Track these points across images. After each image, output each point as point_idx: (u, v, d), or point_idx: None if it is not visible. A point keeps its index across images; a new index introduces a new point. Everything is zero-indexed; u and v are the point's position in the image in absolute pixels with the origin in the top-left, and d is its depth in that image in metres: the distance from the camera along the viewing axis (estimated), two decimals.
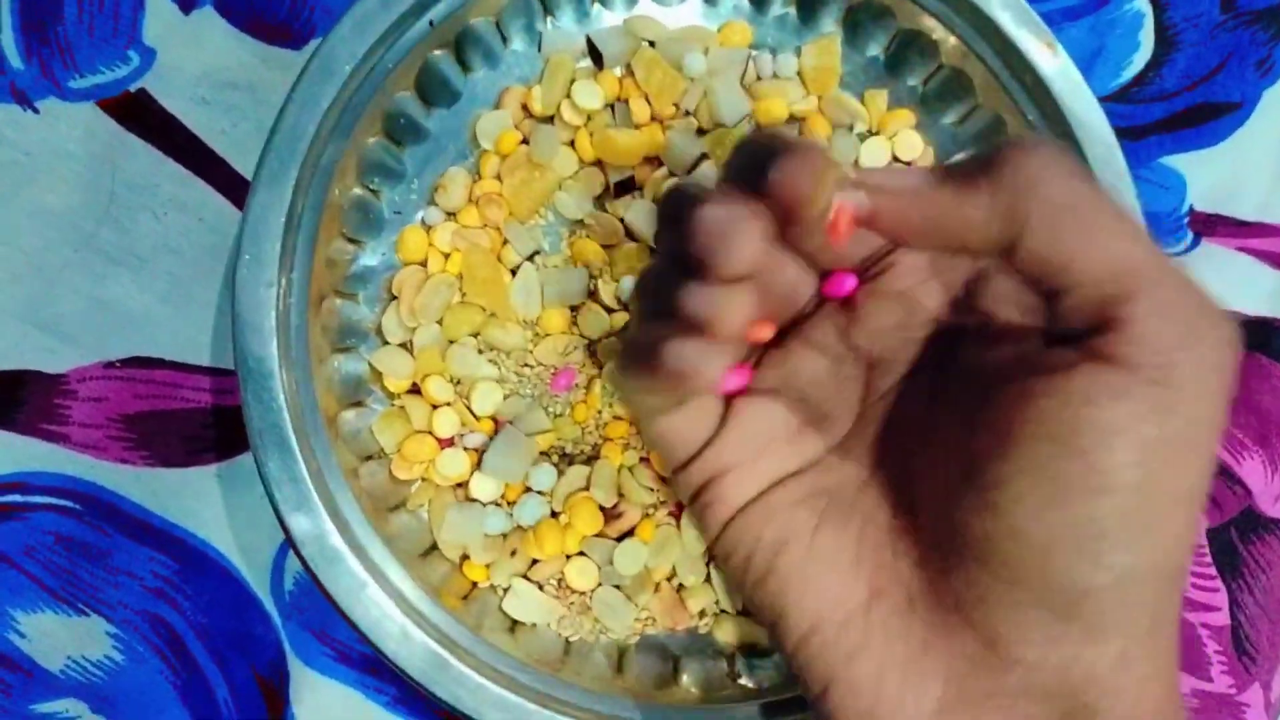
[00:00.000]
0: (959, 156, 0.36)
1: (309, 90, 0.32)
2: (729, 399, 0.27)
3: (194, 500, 0.35)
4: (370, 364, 0.34)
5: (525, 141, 0.35)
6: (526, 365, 0.34)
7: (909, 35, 0.35)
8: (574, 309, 0.35)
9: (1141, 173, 0.38)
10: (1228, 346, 0.20)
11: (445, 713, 0.30)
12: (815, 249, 0.25)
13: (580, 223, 0.35)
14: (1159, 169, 0.39)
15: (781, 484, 0.26)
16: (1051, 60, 0.33)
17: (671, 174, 0.35)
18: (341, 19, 0.32)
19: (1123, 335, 0.19)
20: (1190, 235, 0.38)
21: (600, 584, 0.33)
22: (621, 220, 0.35)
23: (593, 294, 0.35)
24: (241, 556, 0.35)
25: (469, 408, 0.34)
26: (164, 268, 0.36)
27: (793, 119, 0.36)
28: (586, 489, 0.33)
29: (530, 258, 0.35)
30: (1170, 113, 0.39)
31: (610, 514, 0.33)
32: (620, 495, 0.33)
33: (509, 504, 0.34)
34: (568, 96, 0.35)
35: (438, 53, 0.34)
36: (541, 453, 0.34)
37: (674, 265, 0.23)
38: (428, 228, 0.35)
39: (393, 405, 0.34)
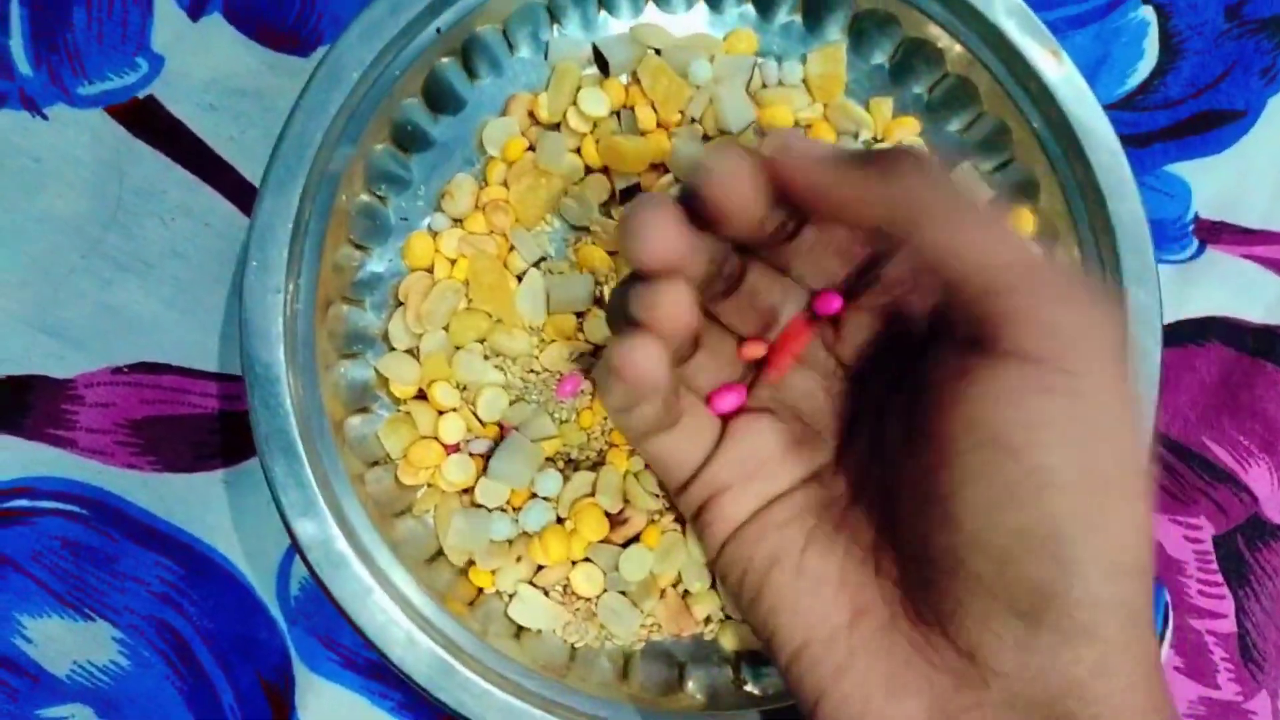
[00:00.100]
0: (965, 164, 0.36)
1: (316, 97, 0.32)
2: (725, 419, 0.27)
3: (200, 505, 0.35)
4: (376, 370, 0.34)
5: (532, 148, 0.35)
6: (532, 371, 0.34)
7: (914, 43, 0.35)
8: (580, 315, 0.35)
9: (1146, 180, 0.38)
10: (1117, 327, 0.21)
11: (450, 718, 0.30)
12: (801, 268, 0.25)
13: (586, 229, 0.35)
14: (1164, 176, 0.39)
15: (773, 504, 0.26)
16: (1056, 68, 0.33)
17: (677, 181, 0.35)
18: (349, 26, 0.32)
19: (1020, 330, 0.20)
20: (1195, 243, 0.38)
21: (605, 590, 0.33)
22: None
23: (598, 300, 0.35)
24: (247, 562, 0.35)
25: (475, 414, 0.34)
26: (171, 273, 0.36)
27: (798, 126, 0.36)
28: (592, 495, 0.33)
29: (536, 264, 0.35)
30: (1175, 120, 0.39)
31: (616, 520, 0.33)
32: (626, 501, 0.33)
33: (515, 510, 0.34)
34: (574, 104, 0.35)
35: (445, 60, 0.34)
36: (547, 459, 0.34)
37: (633, 277, 0.23)
38: (434, 234, 0.35)
39: (399, 411, 0.34)
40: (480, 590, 0.33)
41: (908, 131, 0.36)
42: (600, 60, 0.36)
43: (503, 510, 0.34)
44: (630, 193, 0.35)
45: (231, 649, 0.35)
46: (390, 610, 0.30)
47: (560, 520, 0.33)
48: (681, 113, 0.35)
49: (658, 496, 0.33)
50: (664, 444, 0.26)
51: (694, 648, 0.34)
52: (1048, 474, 0.20)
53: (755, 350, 0.26)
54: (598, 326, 0.34)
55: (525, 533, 0.33)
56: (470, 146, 0.36)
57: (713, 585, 0.34)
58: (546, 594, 0.33)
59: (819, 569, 0.24)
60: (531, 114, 0.35)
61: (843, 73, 0.36)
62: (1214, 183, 0.38)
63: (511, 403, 0.34)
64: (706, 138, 0.35)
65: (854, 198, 0.22)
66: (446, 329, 0.34)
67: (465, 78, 0.35)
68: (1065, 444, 0.20)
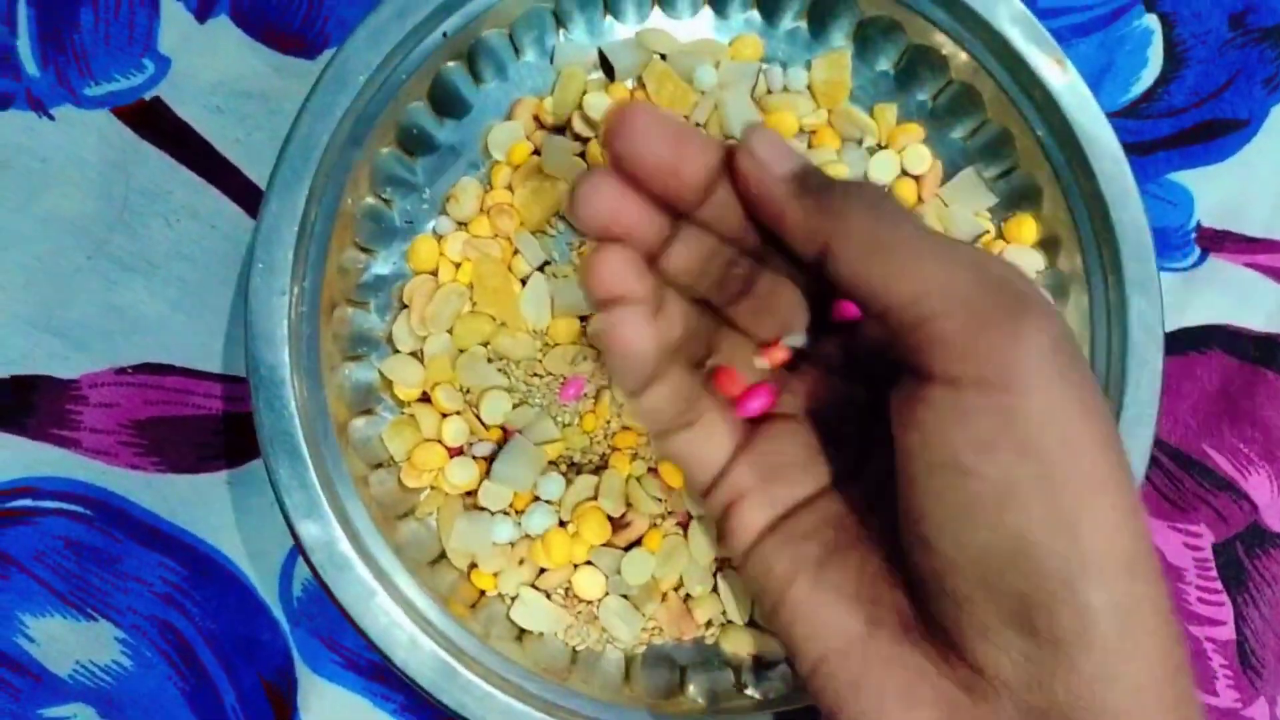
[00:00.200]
0: (967, 171, 0.36)
1: (323, 100, 0.32)
2: (751, 422, 0.27)
3: (204, 506, 0.35)
4: (381, 372, 0.34)
5: (537, 152, 0.35)
6: (536, 375, 0.35)
7: (919, 50, 0.36)
8: (583, 319, 0.35)
9: (1149, 188, 0.38)
10: (1048, 330, 0.20)
11: None
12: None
13: None
14: (1167, 185, 0.39)
15: (794, 513, 0.26)
16: (1061, 76, 0.33)
17: None
18: (356, 30, 0.32)
19: (945, 356, 0.20)
20: (1198, 251, 0.38)
21: (608, 593, 0.33)
22: None
23: None
24: (250, 563, 0.35)
25: (478, 416, 0.34)
26: (176, 274, 0.36)
27: (803, 132, 0.36)
28: (594, 498, 0.33)
29: (540, 268, 0.35)
30: (1178, 129, 0.39)
31: (618, 523, 0.33)
32: (628, 505, 0.33)
33: (517, 513, 0.34)
34: (579, 108, 0.35)
35: (451, 64, 0.34)
36: (550, 462, 0.34)
37: None
38: (439, 237, 0.35)
39: (402, 413, 0.34)
40: (483, 593, 0.33)
41: (912, 138, 0.36)
42: (606, 65, 0.36)
43: (505, 513, 0.34)
44: None
45: (234, 650, 0.35)
46: (393, 612, 0.30)
47: (563, 523, 0.34)
48: (686, 118, 0.35)
49: (660, 500, 0.33)
50: (683, 443, 0.26)
51: (695, 651, 0.34)
52: (1004, 490, 0.20)
53: (778, 355, 0.26)
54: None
55: (528, 536, 0.33)
56: (475, 150, 0.36)
57: (714, 589, 0.34)
58: (549, 597, 0.34)
59: (836, 582, 0.24)
60: (537, 118, 0.36)
61: (847, 79, 0.36)
62: (1216, 191, 0.39)
63: (515, 406, 0.34)
64: None
65: (795, 223, 0.22)
66: (450, 332, 0.34)
67: (471, 82, 0.35)
68: (1016, 458, 0.20)
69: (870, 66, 0.37)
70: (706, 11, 0.37)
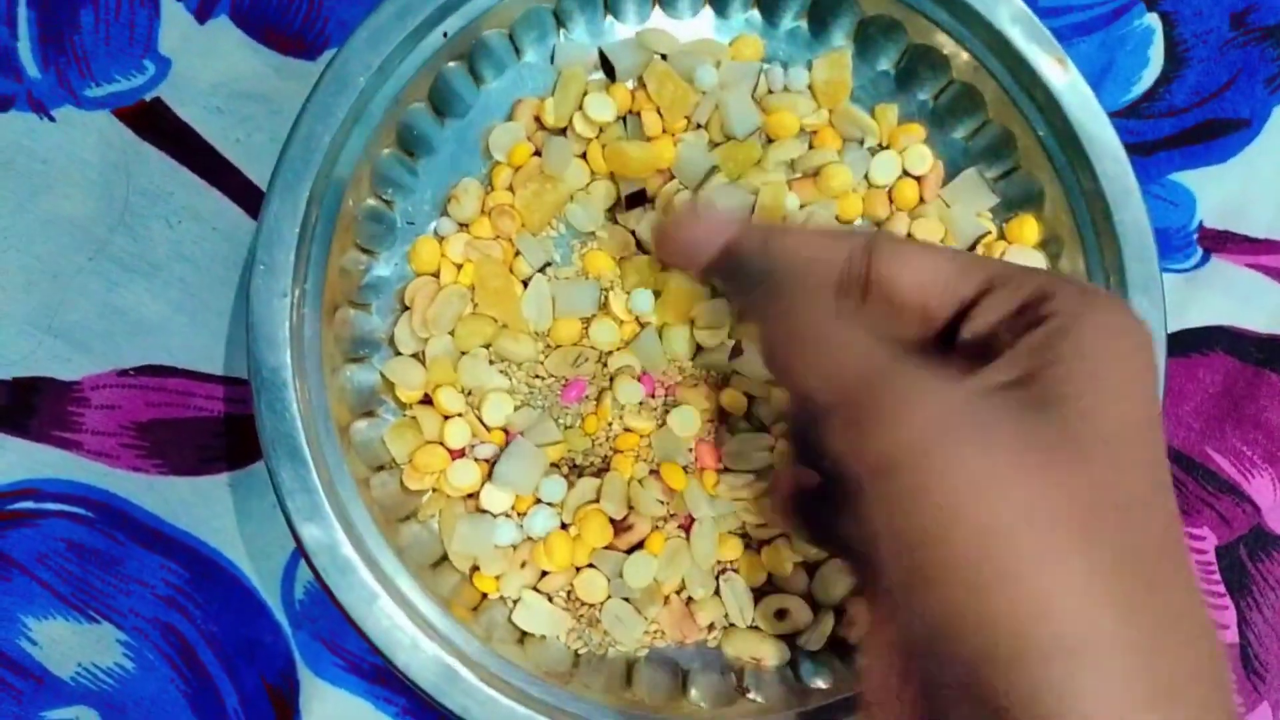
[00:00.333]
0: (968, 171, 0.36)
1: (323, 101, 0.32)
2: None
3: (206, 509, 0.35)
4: (382, 374, 0.34)
5: (537, 153, 0.35)
6: (537, 377, 0.34)
7: (920, 50, 0.35)
8: (585, 321, 0.35)
9: (1151, 189, 0.38)
10: (911, 426, 0.19)
11: None
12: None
13: (592, 235, 0.35)
14: (1169, 185, 0.39)
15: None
16: (1062, 76, 0.33)
17: (683, 187, 0.35)
18: (356, 30, 0.32)
19: (835, 451, 0.20)
20: (1200, 252, 0.38)
21: (610, 596, 0.33)
22: (633, 232, 0.35)
23: (604, 306, 0.35)
24: (252, 565, 0.35)
25: (480, 419, 0.34)
26: (178, 276, 0.36)
27: (803, 132, 0.36)
28: (596, 501, 0.33)
29: (542, 269, 0.35)
30: (1180, 129, 0.39)
31: (620, 526, 0.33)
32: (630, 508, 0.33)
33: (519, 515, 0.34)
34: (580, 109, 0.35)
35: (451, 65, 0.34)
36: (552, 464, 0.34)
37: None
38: (440, 239, 0.35)
39: (404, 416, 0.34)
40: (485, 596, 0.33)
41: (913, 138, 0.36)
42: (606, 65, 0.36)
43: (507, 516, 0.34)
44: (636, 198, 0.35)
45: (236, 652, 0.35)
46: (395, 615, 0.30)
47: (565, 526, 0.34)
48: (687, 118, 0.35)
49: (662, 503, 0.33)
50: None
51: (697, 655, 0.34)
52: (909, 581, 0.19)
53: None
54: (603, 332, 0.34)
55: (530, 538, 0.33)
56: (476, 151, 0.36)
57: (716, 592, 0.34)
58: (551, 600, 0.34)
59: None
60: (537, 119, 0.35)
61: (848, 79, 0.36)
62: (1219, 192, 0.38)
63: (516, 408, 0.34)
64: (713, 144, 0.36)
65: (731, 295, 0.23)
66: (452, 334, 0.34)
67: (471, 82, 0.35)
68: (899, 549, 0.19)
69: (871, 66, 0.37)
70: (707, 11, 0.36)
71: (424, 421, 0.33)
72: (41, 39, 0.37)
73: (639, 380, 0.34)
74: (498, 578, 0.33)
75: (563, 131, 0.35)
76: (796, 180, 0.36)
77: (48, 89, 0.37)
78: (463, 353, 0.34)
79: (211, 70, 0.37)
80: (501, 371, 0.34)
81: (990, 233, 0.36)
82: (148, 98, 0.37)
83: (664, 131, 0.35)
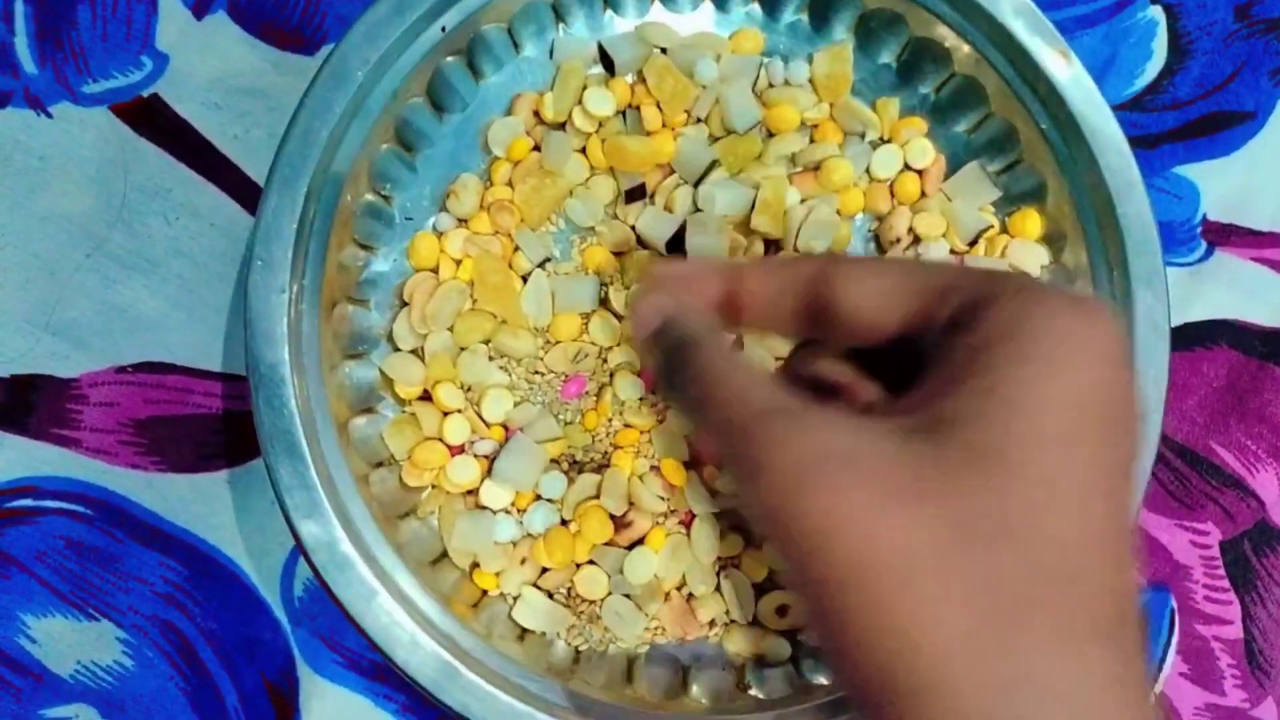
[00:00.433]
0: (970, 165, 0.36)
1: (321, 96, 0.32)
2: None
3: (204, 506, 0.35)
4: (381, 370, 0.34)
5: (537, 148, 0.35)
6: (537, 372, 0.34)
7: (921, 43, 0.35)
8: (585, 316, 0.35)
9: (1155, 182, 0.38)
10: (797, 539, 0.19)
11: None
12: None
13: (591, 230, 0.35)
14: (1173, 178, 0.38)
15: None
16: (1065, 68, 0.33)
17: (683, 181, 0.35)
18: (354, 25, 0.32)
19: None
20: (1204, 245, 0.38)
21: (610, 593, 0.33)
22: (632, 227, 0.35)
23: (604, 301, 0.35)
24: (251, 562, 0.35)
25: (479, 415, 0.34)
26: (176, 272, 0.36)
27: (804, 126, 0.36)
28: (597, 497, 0.33)
29: (541, 264, 0.35)
30: (1183, 121, 0.39)
31: (620, 522, 0.33)
32: (630, 504, 0.33)
33: (519, 512, 0.34)
34: (579, 103, 0.35)
35: (450, 59, 0.34)
36: (552, 460, 0.34)
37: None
38: (439, 234, 0.35)
39: (403, 412, 0.34)
40: (484, 592, 0.33)
41: (914, 132, 0.36)
42: (606, 59, 0.35)
43: (507, 512, 0.34)
44: (636, 193, 0.35)
45: (235, 650, 0.35)
46: (394, 612, 0.30)
47: (564, 522, 0.33)
48: (687, 112, 0.35)
49: (663, 499, 0.33)
50: None
51: (698, 651, 0.34)
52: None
53: None
54: (603, 328, 0.34)
55: (530, 535, 0.33)
56: (475, 146, 0.35)
57: (717, 588, 0.34)
58: (550, 597, 0.33)
59: None
60: (537, 113, 0.35)
61: (849, 72, 0.36)
62: (1223, 185, 0.38)
63: (516, 404, 0.34)
64: (713, 138, 0.35)
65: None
66: (451, 329, 0.34)
67: (470, 77, 0.35)
68: (790, 582, 0.20)
69: (872, 59, 0.36)
70: (707, 5, 0.36)
71: (423, 418, 0.33)
72: (39, 35, 0.37)
73: (639, 376, 0.34)
74: (497, 574, 0.33)
75: (562, 126, 0.35)
76: (797, 174, 0.35)
77: (45, 85, 0.36)
78: (462, 349, 0.34)
79: (209, 66, 0.37)
80: (501, 367, 0.34)
81: (992, 227, 0.36)
82: (145, 94, 0.37)
83: (664, 126, 0.35)
